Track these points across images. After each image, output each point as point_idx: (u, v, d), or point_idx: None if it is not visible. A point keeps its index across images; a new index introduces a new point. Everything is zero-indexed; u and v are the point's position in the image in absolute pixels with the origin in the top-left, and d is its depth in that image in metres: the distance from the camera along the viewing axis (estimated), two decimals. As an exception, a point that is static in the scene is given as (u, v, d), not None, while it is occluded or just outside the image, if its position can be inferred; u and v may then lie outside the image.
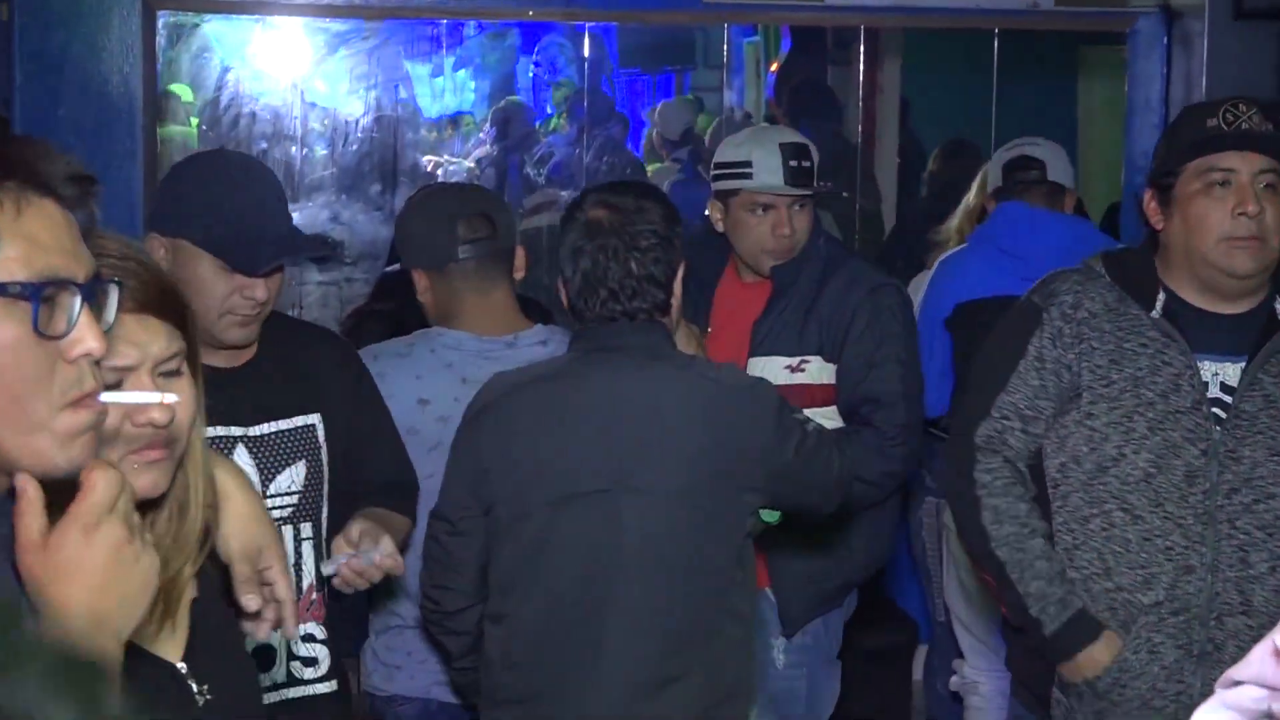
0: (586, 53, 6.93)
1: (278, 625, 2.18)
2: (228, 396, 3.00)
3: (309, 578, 3.17)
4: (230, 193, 3.01)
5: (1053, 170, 4.84)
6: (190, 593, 2.02)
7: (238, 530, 2.16)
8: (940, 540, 4.93)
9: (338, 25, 5.98)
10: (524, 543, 3.26)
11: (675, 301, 3.32)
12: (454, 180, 6.19)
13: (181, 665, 1.98)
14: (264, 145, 5.72)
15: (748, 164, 4.17)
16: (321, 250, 3.15)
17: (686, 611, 3.24)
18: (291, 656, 3.14)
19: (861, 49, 6.54)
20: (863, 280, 4.18)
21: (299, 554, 3.16)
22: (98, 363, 1.73)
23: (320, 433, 3.21)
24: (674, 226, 3.31)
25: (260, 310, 3.07)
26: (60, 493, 1.74)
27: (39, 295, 1.68)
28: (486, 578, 3.35)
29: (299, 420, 3.19)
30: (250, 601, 2.12)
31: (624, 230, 3.26)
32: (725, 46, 7.74)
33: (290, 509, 3.17)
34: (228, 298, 3.03)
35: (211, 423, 2.99)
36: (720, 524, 3.24)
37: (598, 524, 3.22)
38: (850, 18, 6.09)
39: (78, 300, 1.70)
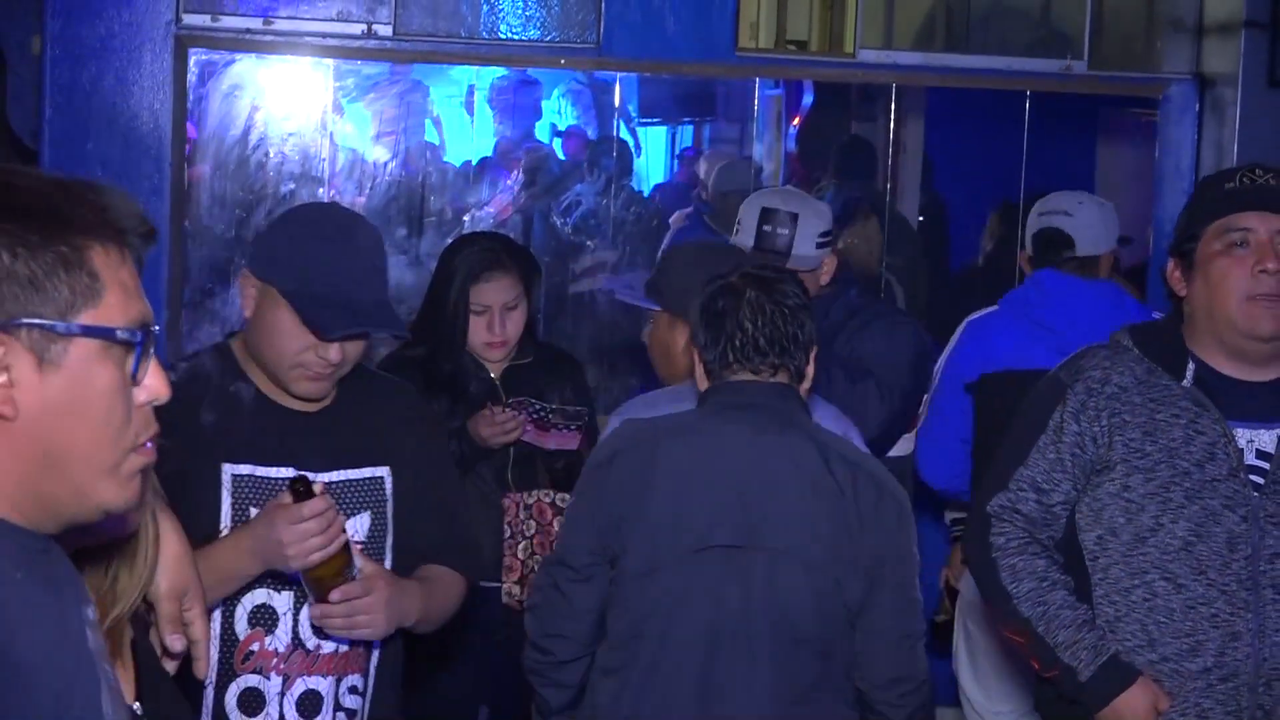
0: (615, 103, 6.86)
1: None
2: (301, 441, 3.05)
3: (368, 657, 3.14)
4: (326, 251, 2.99)
5: (1083, 243, 4.72)
6: (128, 633, 2.02)
7: (168, 570, 2.12)
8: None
9: (368, 68, 5.92)
10: (652, 595, 3.24)
11: (809, 374, 3.35)
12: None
13: (136, 705, 1.96)
14: (291, 186, 5.66)
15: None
16: (395, 331, 3.12)
17: (802, 673, 3.23)
18: (337, 707, 3.10)
19: (893, 105, 6.45)
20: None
21: None
22: None
23: (388, 486, 3.18)
24: (809, 301, 3.37)
25: (333, 370, 3.05)
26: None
27: (142, 343, 1.71)
28: (599, 628, 3.33)
29: (368, 471, 3.16)
30: (175, 641, 2.10)
31: (771, 291, 3.30)
32: (754, 101, 7.66)
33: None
34: (301, 352, 3.01)
35: (280, 462, 2.96)
36: (837, 596, 3.24)
37: (729, 580, 3.21)
38: (881, 75, 6.03)
39: (152, 347, 1.75)
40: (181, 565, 2.14)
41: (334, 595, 2.92)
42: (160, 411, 1.80)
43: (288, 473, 3.00)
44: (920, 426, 4.77)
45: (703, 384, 3.36)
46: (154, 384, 1.75)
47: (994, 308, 4.76)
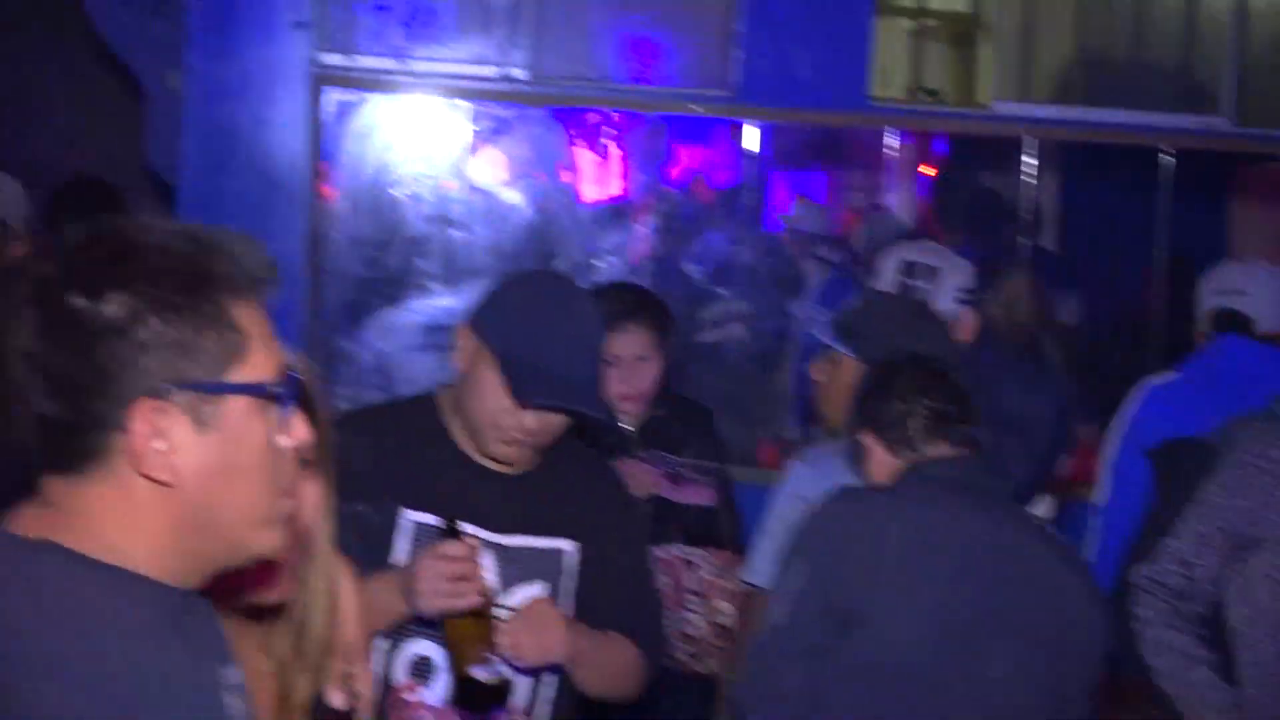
0: (748, 148, 6.80)
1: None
2: (487, 499, 3.03)
3: (523, 696, 3.08)
4: (544, 321, 2.98)
5: (1263, 322, 4.51)
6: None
7: (343, 627, 2.11)
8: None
9: (502, 110, 5.89)
10: (886, 675, 3.14)
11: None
12: (613, 274, 6.07)
13: None
14: (425, 227, 5.64)
15: (878, 274, 4.40)
16: (597, 414, 3.07)
17: None
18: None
19: (1027, 158, 6.33)
20: (1025, 372, 4.13)
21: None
22: None
23: (569, 559, 3.13)
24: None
25: (530, 438, 3.02)
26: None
27: (288, 397, 1.70)
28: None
29: (549, 541, 3.12)
30: (338, 699, 2.09)
31: (951, 367, 3.29)
32: (885, 148, 7.58)
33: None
34: (500, 414, 2.99)
35: (463, 516, 2.93)
36: (1062, 689, 3.14)
37: (962, 661, 3.11)
38: (1018, 128, 5.92)
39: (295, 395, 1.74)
40: (353, 625, 2.11)
41: (475, 672, 2.87)
42: (351, 450, 1.79)
43: (467, 529, 2.96)
44: (1100, 492, 4.60)
45: (876, 451, 3.27)
46: (300, 429, 1.74)
47: (1173, 373, 4.57)
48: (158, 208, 6.29)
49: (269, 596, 1.97)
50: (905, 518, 3.17)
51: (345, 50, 5.26)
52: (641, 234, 6.68)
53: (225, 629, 1.76)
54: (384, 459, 2.98)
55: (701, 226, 6.93)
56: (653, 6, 5.52)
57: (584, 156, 7.03)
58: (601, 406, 3.14)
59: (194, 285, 1.66)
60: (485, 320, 3.03)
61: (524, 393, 2.95)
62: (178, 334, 1.64)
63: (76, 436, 1.66)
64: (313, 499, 2.03)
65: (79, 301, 1.64)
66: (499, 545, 3.05)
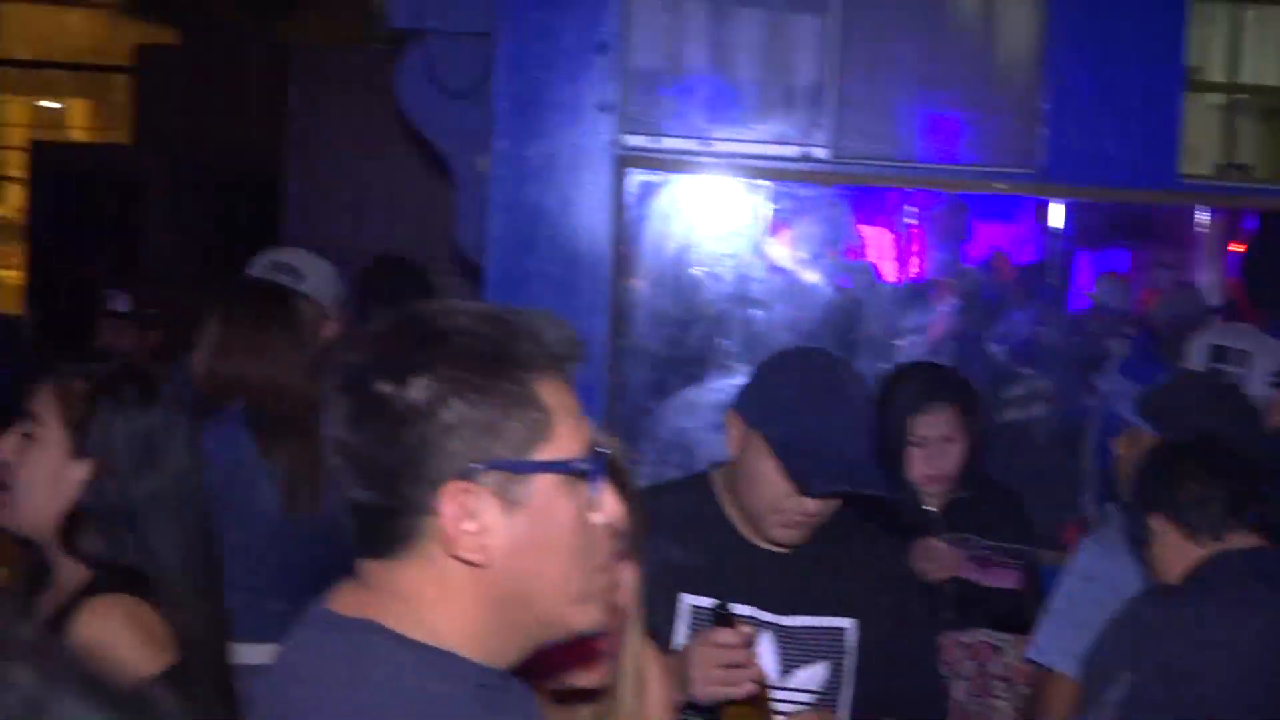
0: (1050, 226, 6.69)
1: None
2: (766, 580, 3.01)
3: None
4: (813, 403, 2.96)
5: None
6: None
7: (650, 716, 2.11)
8: None
9: (803, 190, 5.87)
10: None
11: None
12: (915, 353, 6.00)
13: None
14: (726, 306, 5.64)
15: (1188, 357, 4.31)
16: (879, 493, 3.04)
17: None
18: None
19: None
20: None
21: None
22: None
23: (850, 638, 3.10)
24: None
25: (811, 520, 3.00)
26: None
27: (597, 473, 1.69)
28: None
29: (830, 620, 3.09)
30: None
31: (1244, 447, 3.20)
32: (1193, 226, 7.38)
33: (804, 707, 3.05)
34: (782, 500, 2.97)
35: (742, 600, 2.92)
36: None
37: None
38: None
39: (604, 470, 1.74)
40: (662, 708, 2.11)
41: None
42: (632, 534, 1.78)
43: (746, 611, 2.94)
44: None
45: (1170, 536, 3.15)
46: (610, 506, 1.73)
47: None
48: (466, 287, 6.41)
49: (587, 678, 1.96)
50: (1229, 619, 3.04)
51: (648, 132, 5.31)
52: (942, 313, 6.59)
53: (540, 710, 1.76)
54: (662, 542, 2.94)
55: (1003, 305, 6.82)
56: (955, 85, 5.46)
57: (884, 235, 6.98)
58: (883, 484, 3.09)
59: (498, 366, 1.66)
60: (754, 407, 3.01)
61: (805, 481, 2.92)
62: (483, 415, 1.65)
63: (389, 520, 1.68)
64: (628, 577, 2.03)
65: (385, 388, 1.66)
66: (779, 626, 3.03)
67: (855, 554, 3.11)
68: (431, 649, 1.67)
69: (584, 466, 1.69)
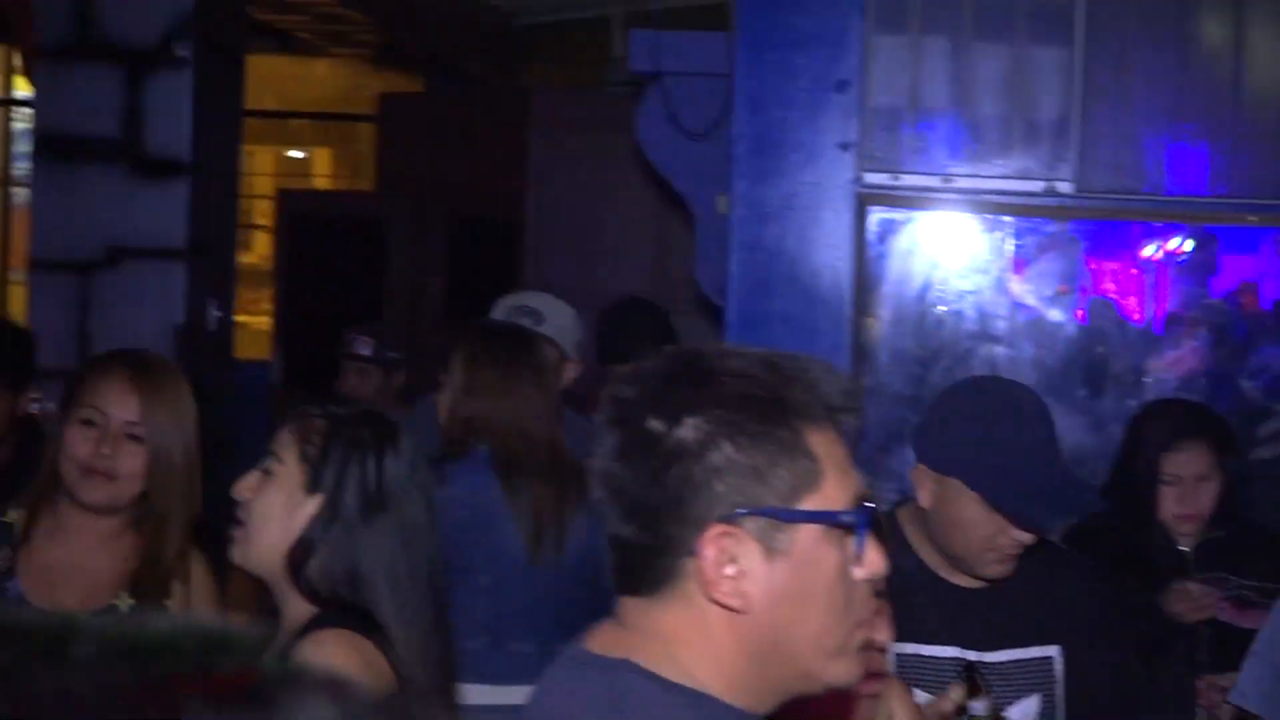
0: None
1: None
2: (968, 619, 2.95)
3: None
4: (1005, 433, 2.88)
5: None
6: None
7: None
8: None
9: (1047, 225, 5.79)
10: None
11: None
12: (1164, 390, 5.87)
13: None
14: (969, 344, 5.57)
15: None
16: (1093, 509, 2.97)
17: None
18: None
19: None
20: None
21: None
22: None
23: (1058, 666, 3.05)
24: None
25: (1022, 549, 2.95)
26: None
27: (865, 525, 1.68)
28: None
29: (1036, 651, 3.04)
30: None
31: None
32: None
33: None
34: (994, 537, 2.91)
35: (945, 641, 2.88)
36: None
37: None
38: None
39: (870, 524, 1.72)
40: None
41: None
42: None
43: (951, 652, 2.88)
44: None
45: None
46: (874, 560, 1.71)
47: None
48: (706, 328, 6.42)
49: None
50: None
51: (889, 169, 5.27)
52: (1191, 348, 6.44)
53: None
54: None
55: (1255, 340, 6.64)
56: (1202, 114, 5.34)
57: (1129, 269, 6.84)
58: (1095, 499, 3.02)
59: (770, 412, 1.66)
60: (942, 452, 2.93)
61: (1025, 514, 2.85)
62: (752, 460, 1.64)
63: (650, 558, 1.68)
64: (887, 632, 2.02)
65: (656, 424, 1.66)
66: (987, 664, 2.97)
67: (1054, 578, 3.04)
68: (691, 691, 1.67)
69: (850, 520, 1.68)
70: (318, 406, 2.83)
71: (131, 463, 3.30)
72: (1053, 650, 3.01)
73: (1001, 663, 2.96)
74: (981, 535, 2.87)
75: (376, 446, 2.75)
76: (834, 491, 1.68)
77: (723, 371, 1.69)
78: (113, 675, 0.60)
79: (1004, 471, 2.83)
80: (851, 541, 1.69)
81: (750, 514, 1.64)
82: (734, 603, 1.65)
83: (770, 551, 1.65)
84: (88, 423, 3.32)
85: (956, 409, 2.96)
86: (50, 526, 3.37)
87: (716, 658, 1.67)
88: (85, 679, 0.60)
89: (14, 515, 3.38)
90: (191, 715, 0.59)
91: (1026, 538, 2.88)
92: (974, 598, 2.96)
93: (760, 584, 1.65)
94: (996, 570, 2.93)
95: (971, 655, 2.95)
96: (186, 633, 0.63)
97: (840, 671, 1.71)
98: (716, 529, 1.64)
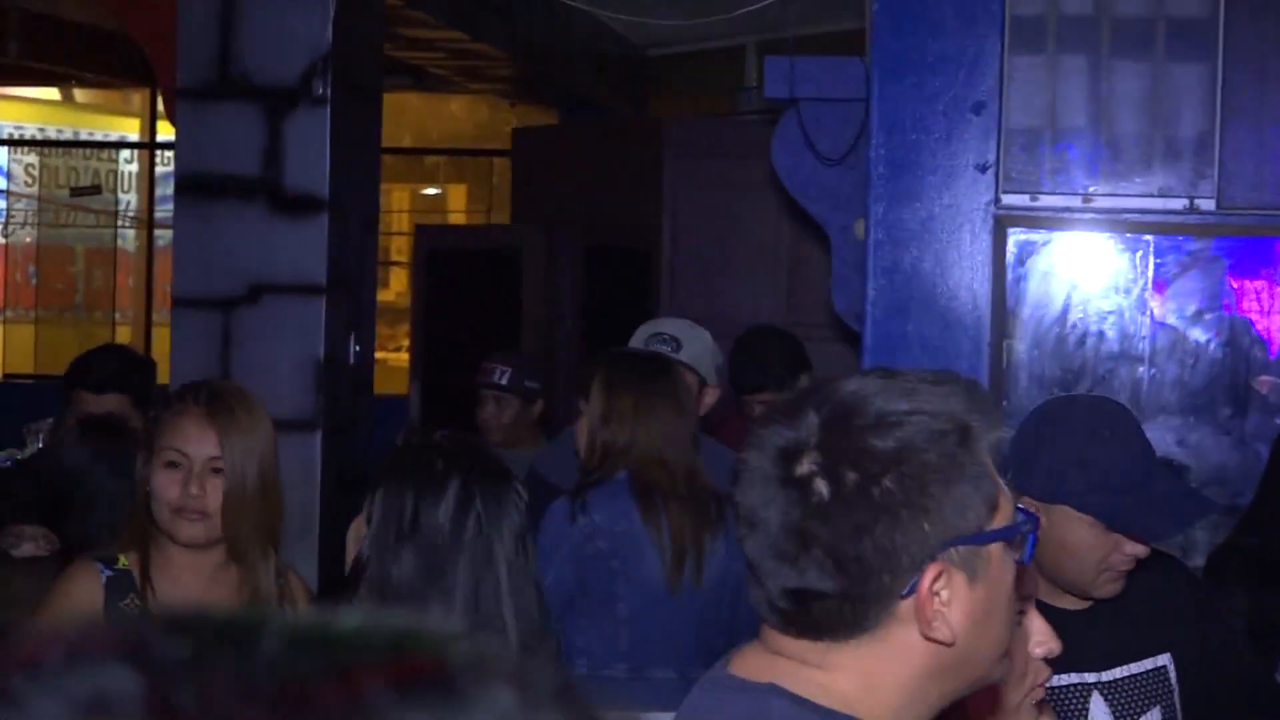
0: None
1: None
2: (1078, 641, 2.83)
3: None
4: (1100, 451, 2.82)
5: None
6: None
7: None
8: None
9: (1189, 244, 5.71)
10: None
11: None
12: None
13: None
14: (1110, 365, 5.50)
15: None
16: (1211, 511, 2.92)
17: None
18: None
19: None
20: None
21: None
22: None
23: (1172, 674, 2.98)
24: None
25: (1134, 564, 2.89)
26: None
27: (1033, 531, 1.73)
28: None
29: (1150, 662, 2.97)
30: None
31: None
32: None
33: None
34: (1108, 556, 2.85)
35: (1061, 670, 2.83)
36: None
37: None
38: None
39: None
40: None
41: None
42: None
43: (1070, 679, 2.84)
44: None
45: None
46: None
47: None
48: (843, 354, 6.39)
49: None
50: None
51: (1029, 190, 5.22)
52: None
53: None
54: None
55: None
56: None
57: (1270, 288, 6.73)
58: (1213, 502, 2.96)
59: (961, 444, 1.65)
60: (1048, 482, 2.83)
61: (1151, 530, 2.81)
62: (952, 496, 1.65)
63: (858, 608, 1.66)
64: (1036, 624, 2.06)
65: (854, 478, 1.65)
66: (1104, 683, 2.93)
67: (1153, 586, 2.98)
68: (838, 715, 1.65)
69: (1027, 529, 1.71)
70: (422, 436, 2.91)
71: (220, 497, 3.36)
72: (1164, 659, 2.96)
73: (1119, 679, 2.92)
74: (1096, 557, 2.82)
75: (412, 477, 2.82)
76: (1006, 505, 1.69)
77: (900, 410, 1.66)
78: (297, 666, 0.60)
79: (1112, 489, 2.77)
80: (1016, 550, 1.71)
81: (956, 546, 1.66)
82: (945, 636, 1.64)
83: (973, 578, 1.66)
84: (172, 465, 3.38)
85: (1046, 435, 2.88)
86: (160, 567, 3.43)
87: (888, 685, 1.66)
88: (269, 670, 0.60)
89: (125, 560, 3.43)
90: (377, 703, 0.59)
91: (1142, 551, 2.82)
92: (1081, 619, 2.91)
93: (964, 612, 1.66)
94: (1111, 590, 2.88)
95: (1090, 678, 2.90)
96: (373, 626, 0.63)
97: (1000, 671, 1.74)
98: (932, 569, 1.64)
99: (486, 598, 2.79)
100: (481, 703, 0.60)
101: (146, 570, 3.41)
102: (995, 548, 1.68)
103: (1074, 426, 2.87)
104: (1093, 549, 2.82)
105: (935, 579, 1.64)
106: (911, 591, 1.64)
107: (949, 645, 1.65)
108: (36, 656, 0.61)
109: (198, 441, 3.37)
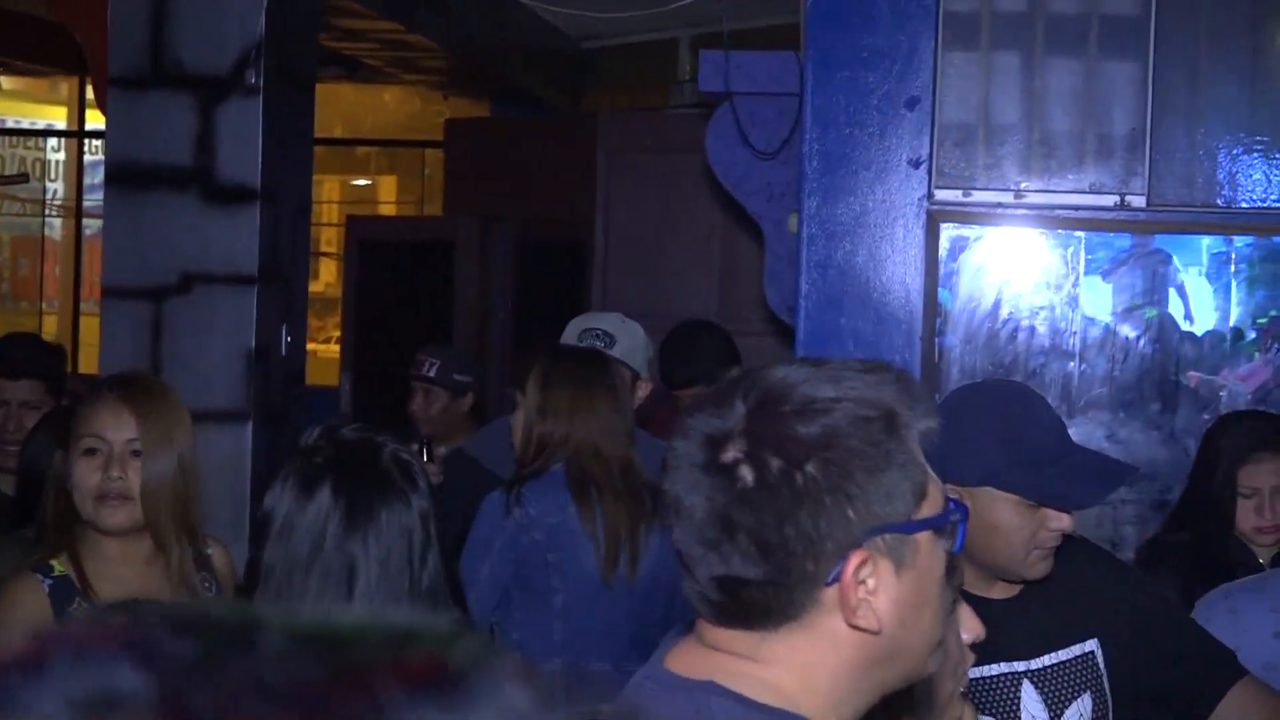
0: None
1: None
2: (1007, 630, 2.84)
3: None
4: (1020, 429, 2.81)
5: None
6: None
7: None
8: None
9: (1118, 240, 5.75)
10: None
11: None
12: (1240, 405, 5.82)
13: None
14: (1041, 360, 5.53)
15: None
16: (1130, 475, 2.93)
17: None
18: None
19: None
20: None
21: None
22: None
23: (1099, 659, 2.98)
24: None
25: (1061, 539, 2.88)
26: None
27: (962, 521, 1.70)
28: None
29: (1078, 648, 2.98)
30: None
31: None
32: None
33: None
34: (1035, 534, 2.84)
35: (992, 660, 2.84)
36: None
37: None
38: None
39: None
40: None
41: None
42: None
43: (998, 669, 2.85)
44: None
45: None
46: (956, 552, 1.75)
47: None
48: (776, 348, 6.41)
49: None
50: None
51: (961, 186, 5.25)
52: (1264, 361, 6.38)
53: None
54: None
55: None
56: (1274, 127, 5.29)
57: (1201, 283, 6.78)
58: (1132, 466, 2.99)
59: (888, 430, 1.64)
60: (971, 465, 2.80)
61: (1077, 498, 2.82)
62: (878, 482, 1.63)
63: (782, 595, 1.65)
64: (963, 610, 2.04)
65: (779, 464, 1.63)
66: (1034, 671, 2.93)
67: (1079, 575, 3.00)
68: (780, 711, 1.65)
69: (955, 518, 1.69)
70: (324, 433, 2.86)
71: (139, 480, 3.34)
72: (1091, 644, 2.96)
73: (1049, 666, 2.93)
74: (1024, 536, 2.82)
75: (295, 476, 2.77)
76: (935, 494, 1.68)
77: (826, 398, 1.66)
78: (303, 666, 0.60)
79: (1032, 463, 2.78)
80: (951, 537, 1.70)
81: (882, 533, 1.64)
82: (871, 624, 1.64)
83: (900, 566, 1.65)
84: (91, 451, 3.36)
85: (960, 420, 2.87)
86: (95, 565, 3.40)
87: (822, 678, 1.65)
88: (276, 670, 0.60)
89: (60, 564, 3.40)
90: (385, 703, 0.59)
91: (1067, 524, 2.82)
92: (1007, 608, 2.91)
93: (891, 600, 1.65)
94: (1041, 570, 2.88)
95: (1020, 667, 2.92)
96: (373, 625, 0.63)
97: (932, 665, 1.73)
98: (856, 556, 1.63)
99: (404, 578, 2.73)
100: (491, 700, 0.60)
101: (83, 571, 3.38)
102: (924, 537, 1.66)
103: (986, 408, 2.86)
104: (1020, 528, 2.82)
105: (860, 566, 1.62)
106: (836, 579, 1.63)
107: (875, 634, 1.64)
108: (43, 656, 0.60)
109: (114, 426, 3.36)
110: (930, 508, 1.67)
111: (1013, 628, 2.87)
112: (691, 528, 1.66)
